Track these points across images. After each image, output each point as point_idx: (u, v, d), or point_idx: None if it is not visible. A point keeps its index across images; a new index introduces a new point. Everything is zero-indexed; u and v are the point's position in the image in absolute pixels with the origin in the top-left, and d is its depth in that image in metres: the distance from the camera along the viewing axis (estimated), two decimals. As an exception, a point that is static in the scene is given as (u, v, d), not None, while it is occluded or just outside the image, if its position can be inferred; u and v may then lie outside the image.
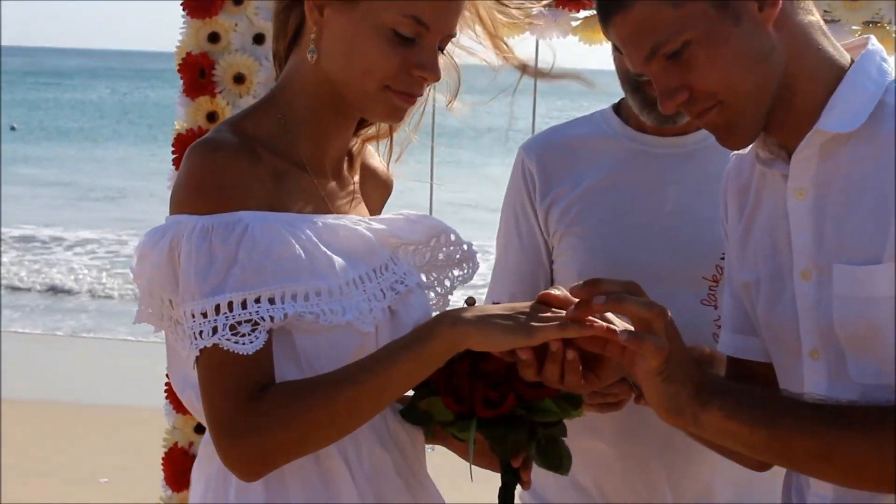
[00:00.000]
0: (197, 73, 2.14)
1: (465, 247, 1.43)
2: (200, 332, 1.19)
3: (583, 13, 2.19)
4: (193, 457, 2.10)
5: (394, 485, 1.31)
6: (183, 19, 2.16)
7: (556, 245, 1.71)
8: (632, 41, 1.20)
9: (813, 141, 1.20)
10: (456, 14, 1.27)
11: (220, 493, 1.28)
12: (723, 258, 1.59)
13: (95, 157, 22.14)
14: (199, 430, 2.12)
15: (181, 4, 2.16)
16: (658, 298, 1.58)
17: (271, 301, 1.20)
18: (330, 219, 1.28)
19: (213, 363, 1.20)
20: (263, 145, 1.27)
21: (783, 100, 1.21)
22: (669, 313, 1.18)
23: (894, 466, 1.12)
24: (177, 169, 2.13)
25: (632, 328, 1.18)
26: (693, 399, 1.16)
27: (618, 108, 1.76)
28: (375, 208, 1.45)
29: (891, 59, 1.29)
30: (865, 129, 1.19)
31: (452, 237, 1.42)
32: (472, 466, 1.33)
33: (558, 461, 1.33)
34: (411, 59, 1.25)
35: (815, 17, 1.24)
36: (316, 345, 1.24)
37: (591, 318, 1.17)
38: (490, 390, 1.26)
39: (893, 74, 1.23)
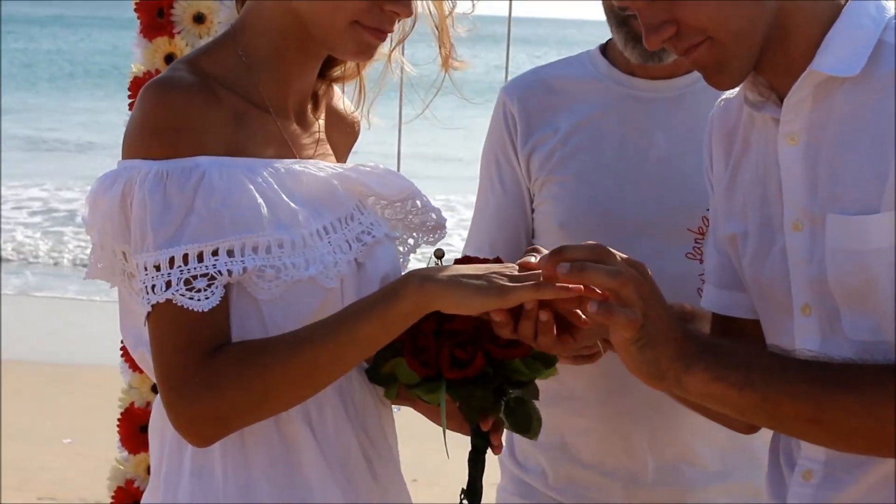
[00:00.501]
0: (154, 13, 2.04)
1: (433, 214, 1.36)
2: (153, 287, 1.12)
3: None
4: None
5: (357, 450, 1.25)
6: (139, -44, 2.05)
7: (536, 193, 1.64)
8: None
9: (806, 83, 1.13)
10: None
11: (174, 458, 1.22)
12: (710, 209, 1.53)
13: (66, 108, 21.69)
14: (157, 389, 2.03)
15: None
16: (641, 251, 1.52)
17: (229, 253, 1.13)
18: (293, 164, 1.21)
19: (165, 320, 1.13)
20: (222, 84, 1.20)
21: (776, 37, 1.14)
22: (648, 272, 1.11)
23: (890, 429, 1.07)
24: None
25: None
26: (674, 362, 1.09)
27: (605, 50, 1.68)
28: (341, 154, 1.38)
29: None
30: (863, 70, 1.12)
31: (420, 203, 1.35)
32: (445, 431, 1.25)
33: (527, 424, 1.27)
34: None
35: None
36: (277, 300, 1.17)
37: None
38: (458, 350, 1.20)
39: (893, 10, 1.16)
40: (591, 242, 1.11)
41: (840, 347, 1.12)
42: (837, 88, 1.13)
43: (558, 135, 1.62)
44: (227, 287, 1.14)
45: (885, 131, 1.09)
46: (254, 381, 1.12)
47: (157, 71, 2.01)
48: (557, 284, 1.08)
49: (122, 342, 1.92)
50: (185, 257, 1.12)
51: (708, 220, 1.53)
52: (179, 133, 1.14)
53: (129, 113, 2.01)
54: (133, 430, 2.07)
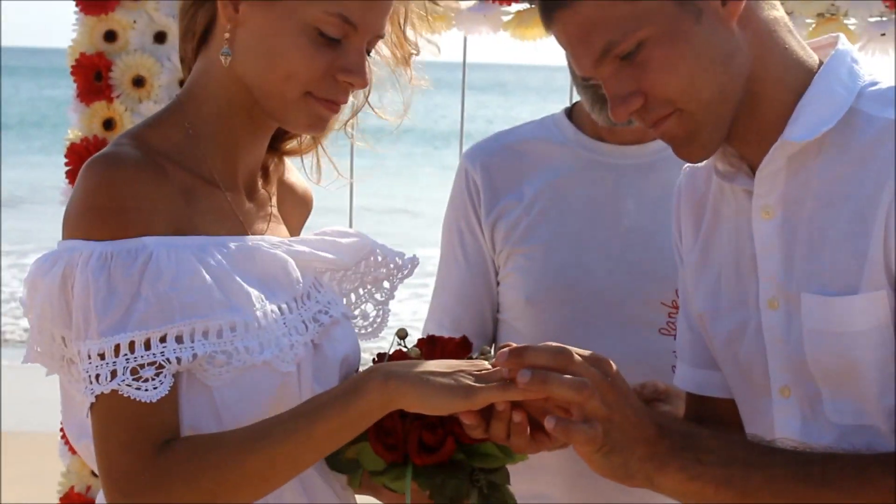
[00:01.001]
0: (92, 75, 1.96)
1: (397, 259, 1.31)
2: (97, 376, 1.05)
3: (514, 6, 2.08)
4: (91, 501, 1.91)
5: None
6: (76, 16, 1.98)
7: (502, 265, 1.56)
8: (580, 41, 1.07)
9: (779, 154, 1.08)
10: (386, 13, 1.15)
11: None
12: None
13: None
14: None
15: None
16: (611, 326, 1.47)
17: (178, 339, 1.06)
18: (245, 241, 1.15)
19: (110, 412, 1.06)
20: (169, 159, 1.13)
21: (747, 106, 1.09)
22: (613, 368, 1.06)
23: None
24: (70, 183, 1.94)
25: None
26: (645, 463, 1.04)
27: (570, 113, 1.61)
28: (294, 229, 1.31)
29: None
30: (837, 138, 1.07)
31: (380, 256, 1.29)
32: None
33: None
34: (337, 62, 1.13)
35: (780, 12, 1.12)
36: (230, 386, 1.10)
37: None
38: (426, 433, 1.13)
39: (864, 77, 1.11)
40: (553, 345, 1.06)
41: (822, 431, 1.08)
42: (812, 159, 1.08)
43: (523, 203, 1.55)
44: (175, 375, 1.07)
45: (863, 207, 1.04)
46: (204, 481, 1.05)
47: (95, 137, 1.94)
48: (522, 389, 1.03)
49: (62, 425, 1.83)
50: (132, 345, 1.05)
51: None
52: (124, 213, 1.07)
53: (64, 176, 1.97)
54: (72, 515, 1.96)
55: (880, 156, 1.04)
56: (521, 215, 1.54)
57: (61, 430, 1.90)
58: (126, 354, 1.05)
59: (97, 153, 1.14)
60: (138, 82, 1.95)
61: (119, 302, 1.05)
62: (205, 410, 1.10)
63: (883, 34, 2.01)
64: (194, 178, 1.14)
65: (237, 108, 1.17)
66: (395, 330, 1.23)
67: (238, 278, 1.11)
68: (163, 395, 1.05)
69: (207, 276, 1.08)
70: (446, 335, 1.24)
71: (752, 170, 1.12)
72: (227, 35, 1.14)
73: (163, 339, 1.05)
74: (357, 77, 1.14)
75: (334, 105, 1.15)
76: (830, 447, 1.05)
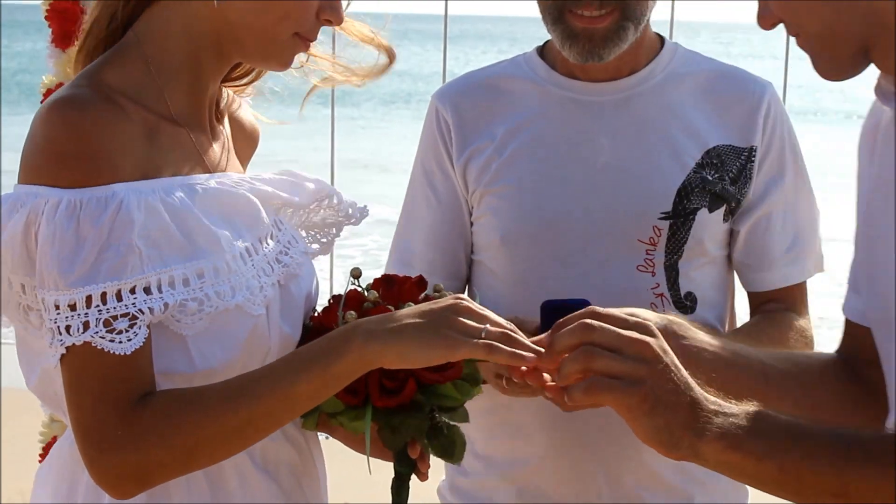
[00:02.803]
0: (65, 20, 1.93)
1: (349, 209, 1.34)
2: (68, 328, 1.05)
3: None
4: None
5: (287, 481, 1.23)
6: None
7: (475, 206, 1.57)
8: None
9: None
10: None
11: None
12: (661, 218, 1.50)
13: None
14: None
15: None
16: (588, 264, 1.49)
17: (146, 291, 1.06)
18: (211, 182, 1.16)
19: (83, 364, 1.06)
20: (130, 99, 1.13)
21: (876, 38, 1.04)
22: (651, 325, 1.04)
23: None
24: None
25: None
26: (688, 429, 1.01)
27: (542, 52, 1.61)
28: (243, 164, 1.33)
29: None
30: None
31: (336, 200, 1.32)
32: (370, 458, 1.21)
33: (451, 449, 1.22)
34: (322, 3, 1.18)
35: None
36: (203, 333, 1.11)
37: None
38: (387, 378, 1.14)
39: None
40: (581, 324, 1.02)
41: None
42: None
43: (496, 142, 1.55)
44: (148, 327, 1.07)
45: None
46: (182, 438, 1.06)
47: (71, 82, 1.93)
48: (512, 351, 1.03)
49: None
50: (104, 296, 1.04)
51: (660, 230, 1.50)
52: (94, 159, 1.06)
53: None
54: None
55: None
56: (494, 155, 1.54)
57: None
58: (98, 306, 1.04)
59: (56, 95, 1.13)
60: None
61: (89, 252, 1.05)
62: (177, 356, 1.11)
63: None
64: (156, 118, 1.15)
65: (206, 44, 1.18)
66: (349, 269, 1.25)
67: (206, 221, 1.11)
68: (137, 346, 1.05)
69: (173, 225, 1.09)
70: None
71: None
72: None
73: (133, 291, 1.05)
74: (337, 16, 1.18)
75: (310, 43, 1.20)
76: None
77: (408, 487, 1.23)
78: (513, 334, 1.05)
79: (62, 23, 1.93)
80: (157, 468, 1.07)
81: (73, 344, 1.04)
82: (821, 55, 1.06)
